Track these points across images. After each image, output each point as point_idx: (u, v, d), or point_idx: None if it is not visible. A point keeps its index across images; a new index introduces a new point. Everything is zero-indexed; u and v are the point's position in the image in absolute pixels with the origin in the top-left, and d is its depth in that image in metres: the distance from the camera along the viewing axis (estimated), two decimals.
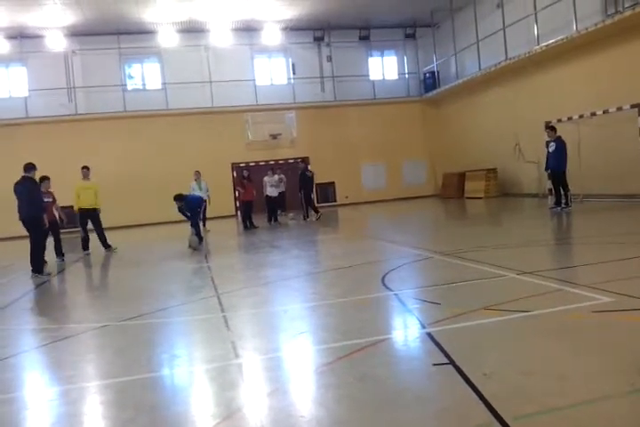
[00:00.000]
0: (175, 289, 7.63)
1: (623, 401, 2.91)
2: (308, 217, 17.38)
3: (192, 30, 22.50)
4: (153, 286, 7.98)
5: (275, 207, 17.82)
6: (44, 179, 11.22)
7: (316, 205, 18.55)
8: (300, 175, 17.59)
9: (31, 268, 9.53)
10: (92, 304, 7.27)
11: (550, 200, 13.88)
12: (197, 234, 12.19)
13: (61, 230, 12.00)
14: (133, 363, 4.24)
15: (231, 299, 6.46)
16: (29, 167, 9.71)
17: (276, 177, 18.18)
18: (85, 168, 12.96)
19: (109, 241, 12.83)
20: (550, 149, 13.36)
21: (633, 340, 3.79)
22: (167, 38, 22.39)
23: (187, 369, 4.08)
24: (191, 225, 12.40)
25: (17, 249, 13.30)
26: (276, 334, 4.88)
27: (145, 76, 23.54)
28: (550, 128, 13.85)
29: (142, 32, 22.07)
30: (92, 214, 12.67)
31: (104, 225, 12.89)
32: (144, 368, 4.11)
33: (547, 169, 13.68)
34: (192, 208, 12.44)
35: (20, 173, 9.67)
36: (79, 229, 12.80)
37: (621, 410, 2.83)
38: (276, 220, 17.56)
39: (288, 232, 14.90)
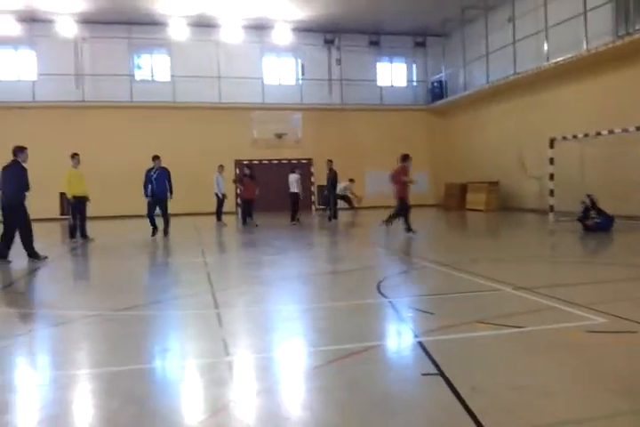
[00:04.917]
0: (171, 282, 7.63)
1: (606, 424, 2.92)
2: (335, 217, 17.22)
3: (203, 25, 22.48)
4: (148, 278, 7.99)
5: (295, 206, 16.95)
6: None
7: (320, 208, 18.47)
8: (327, 175, 17.44)
9: (27, 252, 9.51)
10: (86, 293, 7.27)
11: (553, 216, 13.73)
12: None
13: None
14: (124, 353, 4.25)
15: (226, 296, 6.47)
16: (18, 150, 9.45)
17: (293, 176, 17.32)
18: (76, 155, 12.64)
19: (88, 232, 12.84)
20: None
21: (621, 362, 3.81)
22: (177, 31, 22.39)
23: (177, 363, 4.09)
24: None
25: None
26: (267, 333, 4.88)
27: (154, 67, 23.54)
28: None
29: (153, 23, 22.03)
30: (82, 202, 12.54)
31: (105, 214, 12.85)
32: (135, 359, 4.12)
33: None
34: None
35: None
36: (69, 216, 12.67)
37: None
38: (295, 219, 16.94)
39: (288, 233, 14.90)
